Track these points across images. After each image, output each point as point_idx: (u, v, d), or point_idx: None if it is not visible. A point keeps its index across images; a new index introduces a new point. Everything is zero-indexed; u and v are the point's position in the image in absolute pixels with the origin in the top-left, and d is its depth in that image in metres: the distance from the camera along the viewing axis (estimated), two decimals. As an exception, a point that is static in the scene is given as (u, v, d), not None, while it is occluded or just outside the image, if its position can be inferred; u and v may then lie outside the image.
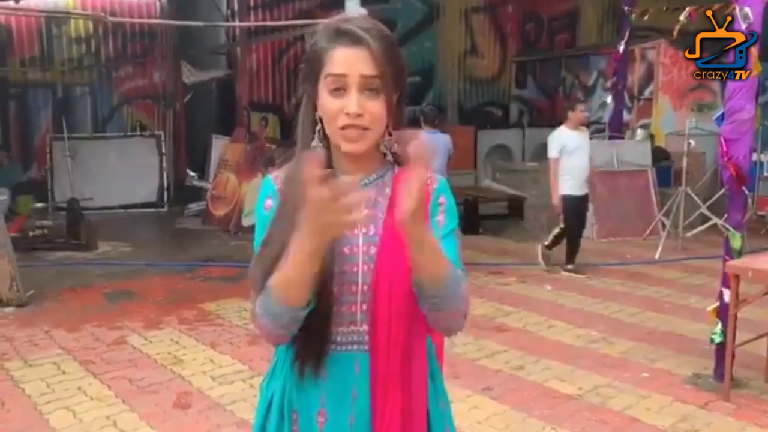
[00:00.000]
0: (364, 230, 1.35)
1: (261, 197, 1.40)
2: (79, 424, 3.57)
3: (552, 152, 6.31)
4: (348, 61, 1.27)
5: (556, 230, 6.60)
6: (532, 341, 4.75)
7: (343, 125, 1.28)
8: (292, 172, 1.37)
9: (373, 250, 1.34)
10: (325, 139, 1.35)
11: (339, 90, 1.28)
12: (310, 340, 1.32)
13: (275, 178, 1.40)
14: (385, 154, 1.38)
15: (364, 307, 1.34)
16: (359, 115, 1.27)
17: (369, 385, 1.33)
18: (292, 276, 1.22)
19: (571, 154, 6.21)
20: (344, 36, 1.29)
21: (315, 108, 1.34)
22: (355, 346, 1.35)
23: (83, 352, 4.60)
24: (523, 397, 3.82)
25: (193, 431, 3.51)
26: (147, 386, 4.04)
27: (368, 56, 1.27)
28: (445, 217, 1.40)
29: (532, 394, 3.88)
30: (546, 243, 6.71)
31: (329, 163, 1.36)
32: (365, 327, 1.34)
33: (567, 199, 6.29)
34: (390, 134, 1.36)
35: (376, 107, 1.28)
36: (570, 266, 6.58)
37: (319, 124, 1.34)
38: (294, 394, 1.37)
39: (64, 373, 4.25)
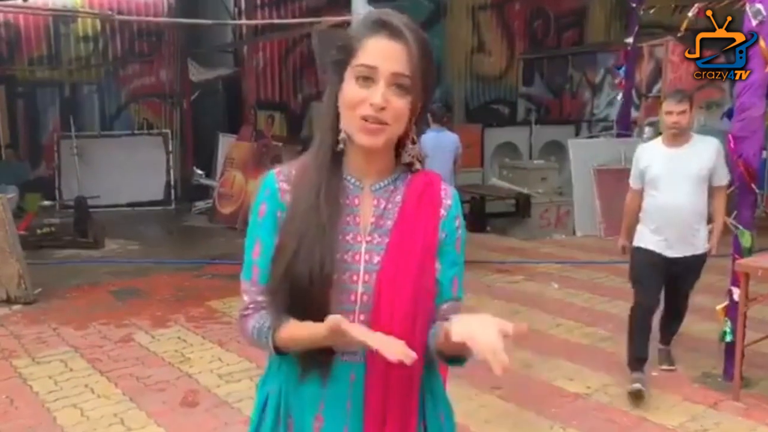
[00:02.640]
0: (368, 238, 1.31)
1: (258, 197, 1.35)
2: (87, 421, 3.57)
3: (630, 179, 4.09)
4: (382, 54, 1.22)
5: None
6: (539, 340, 4.73)
7: (363, 115, 1.22)
8: (302, 170, 1.33)
9: (376, 259, 1.29)
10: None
11: (367, 80, 1.22)
12: (314, 350, 1.27)
13: (278, 173, 1.35)
14: (398, 156, 1.34)
15: (363, 317, 1.28)
16: (382, 109, 1.22)
17: (363, 399, 1.28)
18: (297, 347, 1.27)
19: (655, 185, 3.84)
20: (383, 27, 1.24)
21: (338, 98, 1.28)
22: (352, 357, 1.29)
23: (90, 350, 4.61)
24: (531, 396, 3.80)
25: (200, 429, 3.51)
26: (154, 384, 4.04)
27: (404, 53, 1.22)
28: (461, 244, 1.37)
29: (540, 392, 3.87)
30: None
31: (339, 164, 1.32)
32: None
33: (639, 254, 3.94)
34: (414, 142, 1.32)
35: (400, 104, 1.23)
36: (636, 374, 3.85)
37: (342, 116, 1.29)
38: (291, 398, 1.33)
39: (71, 370, 4.26)
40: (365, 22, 1.27)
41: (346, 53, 1.26)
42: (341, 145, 1.30)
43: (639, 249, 3.94)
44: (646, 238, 3.90)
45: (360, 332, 1.13)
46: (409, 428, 1.30)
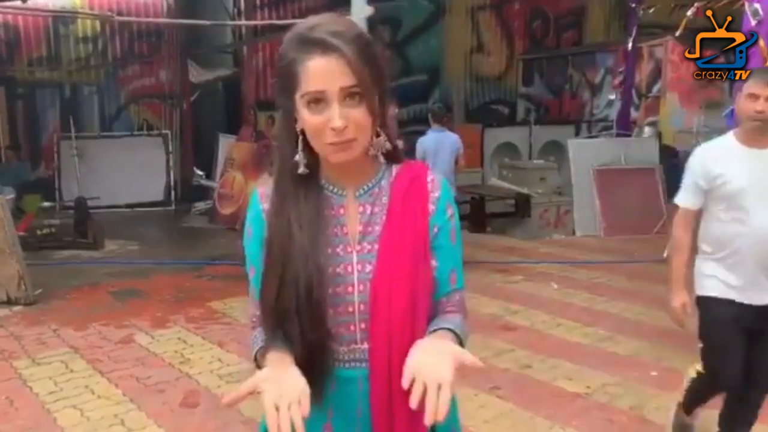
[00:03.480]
0: (358, 247, 1.30)
1: (247, 219, 1.37)
2: (87, 422, 3.58)
3: (680, 194, 2.84)
4: (324, 75, 1.18)
5: (692, 372, 3.03)
6: (539, 340, 4.73)
7: (330, 142, 1.21)
8: (272, 194, 1.32)
9: (368, 268, 1.28)
10: (308, 149, 1.27)
11: (319, 103, 1.20)
12: (311, 368, 1.26)
13: (261, 195, 1.35)
14: (375, 156, 1.32)
15: (363, 325, 1.29)
16: (345, 127, 1.20)
17: (370, 405, 1.29)
18: None
19: (737, 203, 2.64)
20: (314, 46, 1.19)
21: (294, 120, 1.26)
22: (358, 364, 1.30)
23: (91, 351, 4.62)
24: (531, 396, 3.81)
25: (200, 430, 3.51)
26: (154, 385, 4.05)
27: (344, 65, 1.18)
28: (456, 234, 1.36)
29: (540, 393, 3.87)
30: (680, 399, 3.13)
31: (316, 174, 1.31)
32: (366, 345, 1.30)
33: (712, 308, 2.76)
34: (378, 134, 1.29)
35: (359, 115, 1.21)
36: (684, 417, 3.13)
37: (300, 137, 1.26)
38: None
39: (71, 371, 4.27)
40: (295, 44, 1.22)
41: (287, 82, 1.23)
42: (302, 169, 1.28)
43: (710, 301, 2.74)
44: (718, 282, 2.72)
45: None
46: (418, 428, 1.28)
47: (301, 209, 1.28)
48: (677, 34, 6.30)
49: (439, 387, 1.08)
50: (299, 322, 1.25)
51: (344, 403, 1.30)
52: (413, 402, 1.08)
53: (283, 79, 1.25)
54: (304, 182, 1.29)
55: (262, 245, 1.31)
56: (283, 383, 1.15)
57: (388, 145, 1.32)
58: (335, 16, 1.26)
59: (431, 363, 1.11)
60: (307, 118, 1.22)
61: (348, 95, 1.19)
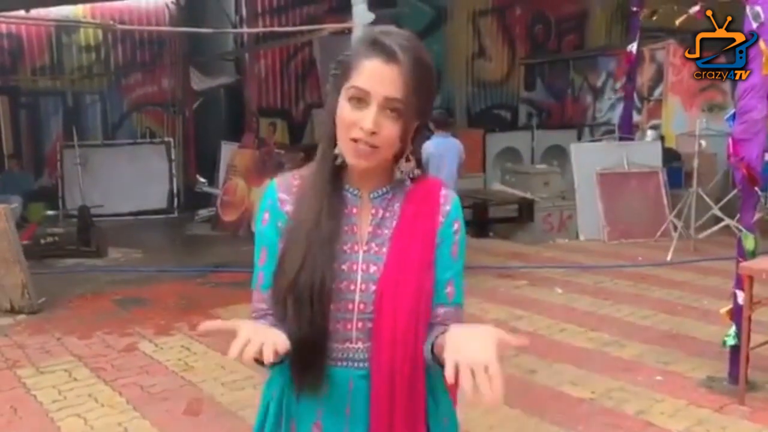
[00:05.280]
0: (365, 247, 1.33)
1: (261, 207, 1.38)
2: (91, 431, 3.58)
3: None
4: (375, 78, 1.22)
5: None
6: (543, 345, 4.72)
7: (354, 137, 1.24)
8: (308, 183, 1.35)
9: (373, 269, 1.31)
10: None
11: (360, 102, 1.23)
12: (308, 358, 1.29)
13: (279, 184, 1.38)
14: (402, 175, 1.35)
15: (360, 325, 1.31)
16: (373, 133, 1.23)
17: (367, 405, 1.30)
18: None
19: None
20: (379, 49, 1.23)
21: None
22: (350, 363, 1.32)
23: (94, 359, 4.61)
24: (536, 402, 3.79)
25: (204, 438, 3.51)
26: (158, 393, 4.04)
27: (398, 77, 1.22)
28: (459, 249, 1.37)
29: (545, 398, 3.86)
30: None
31: (340, 173, 1.34)
32: (360, 345, 1.31)
33: None
34: (408, 159, 1.32)
35: (391, 130, 1.24)
36: None
37: None
38: (293, 402, 1.35)
39: (75, 380, 4.27)
40: (363, 41, 1.28)
41: (343, 71, 1.27)
42: (339, 159, 1.31)
43: None
44: None
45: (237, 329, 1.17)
46: (417, 429, 1.30)
47: (327, 203, 1.31)
48: (677, 22, 6.15)
49: (486, 368, 1.04)
50: (311, 309, 1.26)
51: (334, 402, 1.32)
52: (467, 387, 1.03)
53: (340, 68, 1.28)
54: (334, 178, 1.33)
55: (278, 230, 1.34)
56: (264, 330, 1.17)
57: (417, 172, 1.35)
58: (409, 34, 1.29)
59: (471, 348, 1.07)
60: (344, 111, 1.25)
61: (389, 108, 1.23)
